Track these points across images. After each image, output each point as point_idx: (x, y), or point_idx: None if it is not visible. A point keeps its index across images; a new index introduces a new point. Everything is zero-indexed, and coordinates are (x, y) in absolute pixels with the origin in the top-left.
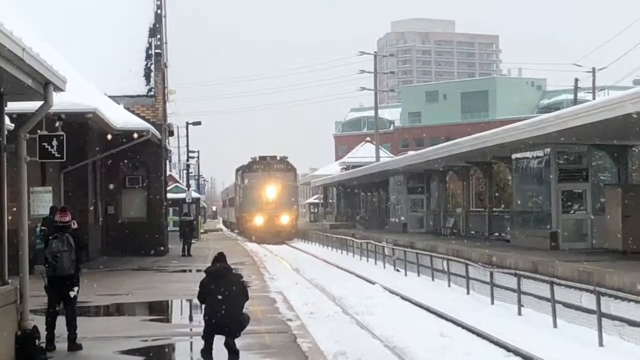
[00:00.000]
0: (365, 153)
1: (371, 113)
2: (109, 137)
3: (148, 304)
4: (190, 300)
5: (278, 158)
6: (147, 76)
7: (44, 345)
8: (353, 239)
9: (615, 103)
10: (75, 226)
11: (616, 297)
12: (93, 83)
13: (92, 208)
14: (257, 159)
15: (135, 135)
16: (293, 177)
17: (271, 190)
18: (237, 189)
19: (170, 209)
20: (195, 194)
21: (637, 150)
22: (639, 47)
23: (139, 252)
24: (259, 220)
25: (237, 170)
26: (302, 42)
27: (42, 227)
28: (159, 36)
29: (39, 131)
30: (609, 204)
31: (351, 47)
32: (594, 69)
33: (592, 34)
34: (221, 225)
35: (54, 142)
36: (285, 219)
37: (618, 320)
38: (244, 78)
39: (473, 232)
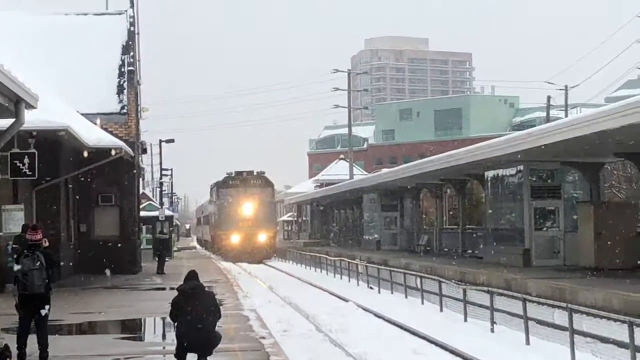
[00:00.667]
0: (339, 171)
1: (345, 131)
2: (85, 154)
3: (121, 322)
4: (163, 319)
5: (255, 173)
6: (120, 94)
7: None
8: (327, 256)
9: (587, 121)
10: (47, 244)
11: (588, 314)
12: (66, 100)
13: (64, 226)
14: (233, 175)
15: (113, 152)
16: (271, 193)
17: (248, 206)
18: (212, 206)
19: (144, 227)
20: (168, 212)
21: (609, 167)
22: (611, 65)
23: (112, 270)
24: (235, 239)
25: (212, 186)
26: (276, 59)
27: (14, 246)
28: (132, 54)
29: (11, 149)
30: (581, 221)
31: (325, 65)
32: (566, 86)
33: (564, 52)
34: (195, 243)
35: (26, 160)
36: (262, 237)
37: (590, 337)
38: (218, 96)
39: (446, 249)
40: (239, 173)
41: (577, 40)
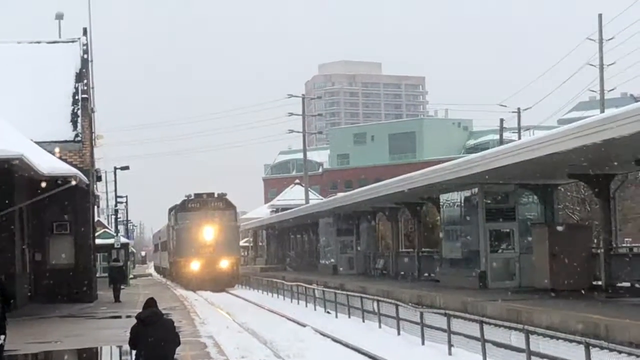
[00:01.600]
0: (294, 195)
1: (300, 155)
2: (41, 184)
3: (77, 352)
4: (120, 347)
5: (216, 195)
6: (74, 121)
7: None
8: (284, 281)
9: (540, 143)
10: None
11: (545, 336)
12: (19, 129)
13: (19, 255)
14: (192, 197)
15: (69, 181)
16: (233, 216)
17: (208, 231)
18: (171, 231)
19: (99, 255)
20: (124, 239)
21: (562, 189)
22: (563, 87)
23: (68, 299)
24: (195, 266)
25: (170, 210)
26: (231, 85)
27: None
28: (85, 81)
29: None
30: (536, 242)
31: (279, 90)
32: (519, 109)
33: (517, 75)
34: (151, 270)
35: None
36: (225, 264)
37: (547, 358)
38: (173, 122)
39: (403, 272)
40: (198, 195)
41: (530, 63)
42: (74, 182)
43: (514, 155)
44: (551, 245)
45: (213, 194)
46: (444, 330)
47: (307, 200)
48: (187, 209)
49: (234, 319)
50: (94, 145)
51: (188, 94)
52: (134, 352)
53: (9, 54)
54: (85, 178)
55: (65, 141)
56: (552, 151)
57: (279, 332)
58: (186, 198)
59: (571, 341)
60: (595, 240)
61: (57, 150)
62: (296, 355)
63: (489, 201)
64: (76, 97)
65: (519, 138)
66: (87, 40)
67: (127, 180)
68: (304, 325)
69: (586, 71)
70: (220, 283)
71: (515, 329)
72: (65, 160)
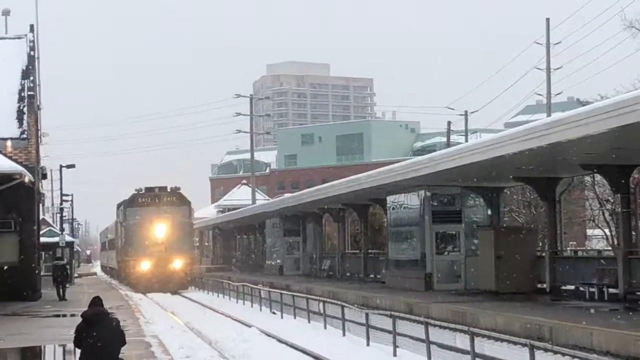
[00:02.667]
0: (241, 196)
1: (247, 156)
2: None
3: (21, 350)
4: (63, 346)
5: (168, 189)
6: (20, 119)
7: None
8: (229, 282)
9: (486, 146)
10: None
11: (490, 338)
12: None
13: None
14: (143, 191)
15: (17, 178)
16: (187, 212)
17: (160, 228)
18: (119, 228)
19: (44, 253)
20: (69, 238)
21: (508, 192)
22: (510, 90)
23: (12, 297)
24: (145, 265)
25: (119, 205)
26: (179, 83)
27: None
28: (32, 78)
29: None
30: (482, 245)
31: (227, 90)
32: (466, 112)
33: (465, 77)
34: (96, 269)
35: None
36: (177, 264)
37: None
38: (119, 121)
39: (349, 274)
40: (149, 189)
41: (477, 67)
42: (18, 180)
43: (460, 158)
44: (497, 248)
45: (165, 187)
46: (389, 332)
47: (253, 200)
48: (137, 203)
49: (179, 318)
50: (40, 142)
51: (135, 93)
52: (78, 350)
53: None
54: (31, 175)
55: (11, 138)
56: (499, 154)
57: (224, 332)
58: (136, 192)
59: (516, 343)
60: (541, 244)
61: (8, 144)
62: (241, 355)
63: (435, 203)
64: (22, 94)
65: (466, 141)
66: (33, 37)
67: (72, 179)
68: (249, 326)
69: (533, 75)
70: (171, 285)
71: (461, 330)
72: (10, 158)
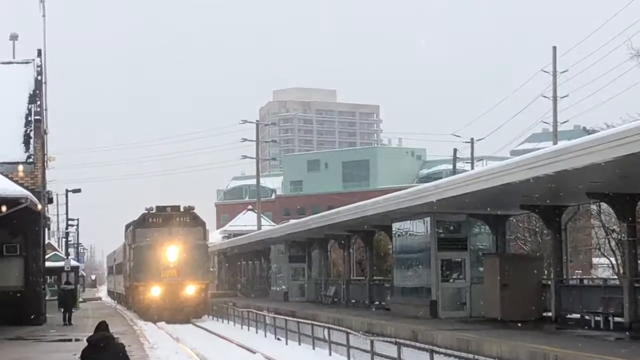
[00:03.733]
0: (247, 221)
1: (253, 181)
2: None
3: None
4: None
5: (182, 209)
6: (26, 143)
7: None
8: (234, 307)
9: (493, 173)
10: None
11: None
12: None
13: None
14: (154, 210)
15: (22, 202)
16: (202, 234)
17: (172, 251)
18: (127, 251)
19: (49, 278)
20: (74, 262)
21: (514, 219)
22: (516, 118)
23: (16, 321)
24: (155, 291)
25: (127, 226)
26: (186, 109)
27: None
28: (38, 102)
29: None
30: (487, 273)
31: (234, 115)
32: (472, 139)
33: (471, 104)
34: (101, 294)
35: None
36: (191, 290)
37: None
38: (125, 146)
39: (354, 300)
40: (161, 209)
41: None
42: (24, 204)
43: (466, 185)
44: (502, 276)
45: (178, 207)
46: (394, 359)
47: (259, 226)
48: (147, 224)
49: (184, 344)
50: (46, 167)
51: (141, 119)
52: None
53: None
54: (37, 200)
55: (17, 162)
56: (505, 182)
57: (229, 358)
58: (146, 212)
59: None
60: (546, 272)
61: (20, 168)
62: None
63: (441, 230)
64: (29, 119)
65: (472, 168)
66: (41, 61)
67: (78, 203)
68: (254, 352)
69: (540, 103)
70: (185, 313)
71: (466, 358)
72: (16, 182)
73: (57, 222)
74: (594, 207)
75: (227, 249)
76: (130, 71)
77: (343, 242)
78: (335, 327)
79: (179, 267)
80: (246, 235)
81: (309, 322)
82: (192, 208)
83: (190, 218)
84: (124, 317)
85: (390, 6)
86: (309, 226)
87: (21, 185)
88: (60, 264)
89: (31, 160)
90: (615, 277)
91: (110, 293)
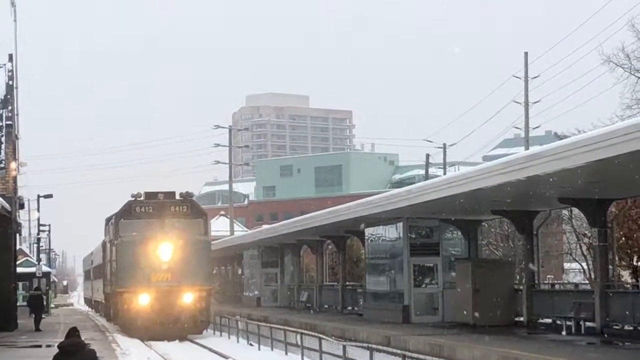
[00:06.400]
0: (219, 227)
1: (225, 187)
2: None
3: None
4: None
5: (177, 197)
6: None
7: None
8: None
9: (464, 178)
10: None
11: None
12: None
13: None
14: (142, 197)
15: None
16: (202, 228)
17: (166, 249)
18: (109, 249)
19: (20, 284)
20: (45, 268)
21: (486, 225)
22: (488, 124)
23: None
24: (144, 300)
25: (108, 219)
26: (158, 113)
27: None
28: (10, 107)
29: None
30: (459, 278)
31: (206, 121)
32: (444, 145)
33: (443, 110)
34: (72, 300)
35: None
36: (188, 298)
37: None
38: (98, 151)
39: (327, 305)
40: (151, 195)
41: (456, 99)
42: None
43: (439, 191)
44: (474, 281)
45: (173, 193)
46: None
47: (232, 231)
48: (134, 215)
49: (155, 349)
50: (18, 172)
51: (113, 123)
52: None
53: None
54: (8, 205)
55: None
56: (477, 187)
57: None
58: (133, 199)
59: None
60: (518, 277)
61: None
62: None
63: (413, 236)
64: (0, 124)
65: (444, 173)
66: (12, 66)
67: (50, 209)
68: (226, 358)
69: (511, 108)
70: (180, 325)
71: None
72: None
73: (29, 227)
74: (565, 212)
75: None
76: (100, 75)
77: (316, 247)
78: (308, 332)
79: (173, 268)
80: (219, 241)
81: (282, 327)
82: (191, 195)
83: (188, 207)
84: (95, 323)
85: (360, 10)
86: (282, 232)
87: None
88: (32, 269)
89: (2, 165)
90: (587, 282)
91: (87, 301)
